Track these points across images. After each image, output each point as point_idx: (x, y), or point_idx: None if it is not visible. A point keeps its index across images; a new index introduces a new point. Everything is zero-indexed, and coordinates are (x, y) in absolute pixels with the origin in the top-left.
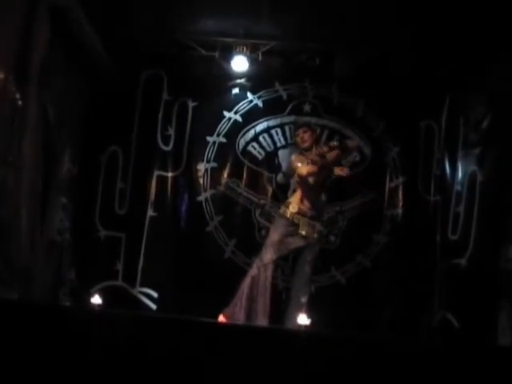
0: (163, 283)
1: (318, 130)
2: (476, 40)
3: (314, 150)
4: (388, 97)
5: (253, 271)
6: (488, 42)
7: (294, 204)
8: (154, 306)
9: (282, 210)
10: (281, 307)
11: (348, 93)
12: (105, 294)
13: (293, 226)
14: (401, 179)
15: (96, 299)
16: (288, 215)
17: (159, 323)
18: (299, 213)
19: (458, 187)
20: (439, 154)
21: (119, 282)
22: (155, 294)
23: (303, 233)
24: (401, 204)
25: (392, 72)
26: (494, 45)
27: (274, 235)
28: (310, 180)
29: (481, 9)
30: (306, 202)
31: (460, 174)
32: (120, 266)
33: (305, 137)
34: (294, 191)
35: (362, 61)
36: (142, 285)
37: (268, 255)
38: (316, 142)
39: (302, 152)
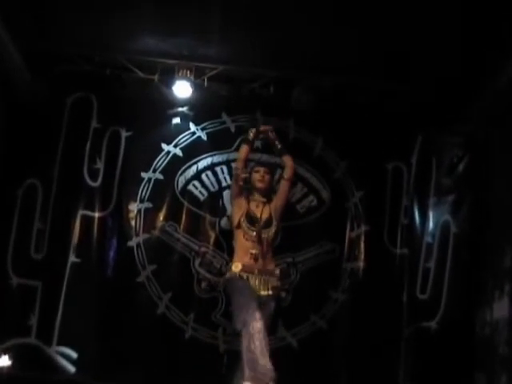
0: (84, 342)
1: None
2: (454, 76)
3: (259, 194)
4: (351, 134)
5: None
6: (466, 82)
7: (237, 263)
8: (72, 369)
9: (229, 274)
10: (222, 372)
11: (306, 127)
12: (15, 353)
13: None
14: (363, 228)
15: (4, 360)
16: (235, 276)
17: None
18: (245, 270)
19: (428, 239)
20: (408, 200)
21: (32, 340)
22: (74, 355)
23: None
24: (363, 257)
25: (356, 106)
26: (471, 85)
27: (237, 298)
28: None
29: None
30: (248, 256)
31: (431, 224)
32: (34, 321)
33: (265, 178)
34: None
35: (322, 92)
36: (60, 343)
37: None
38: (272, 191)
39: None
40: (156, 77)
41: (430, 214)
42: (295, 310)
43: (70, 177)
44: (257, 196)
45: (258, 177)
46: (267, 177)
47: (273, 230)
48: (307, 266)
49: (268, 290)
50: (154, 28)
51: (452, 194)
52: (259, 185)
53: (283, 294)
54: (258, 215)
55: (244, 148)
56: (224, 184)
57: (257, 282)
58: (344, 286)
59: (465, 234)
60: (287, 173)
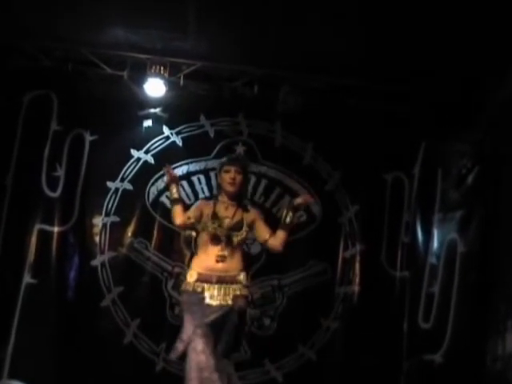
0: (40, 375)
1: (254, 180)
2: (460, 76)
3: (229, 198)
4: (345, 140)
5: None
6: (473, 84)
7: (192, 271)
8: None
9: (183, 285)
10: None
11: (294, 132)
12: None
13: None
14: (358, 247)
15: None
16: (189, 287)
17: None
18: (200, 280)
19: (432, 260)
20: (409, 216)
21: None
22: None
23: (212, 302)
24: (357, 279)
25: (351, 109)
26: (480, 88)
27: (187, 317)
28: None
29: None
30: (213, 258)
31: (435, 243)
32: None
33: (236, 179)
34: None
35: (312, 92)
36: (12, 376)
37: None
38: (244, 193)
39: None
40: (125, 73)
41: (435, 232)
42: (281, 339)
43: (25, 186)
44: (226, 199)
45: (228, 179)
46: (239, 178)
47: (244, 234)
48: (295, 290)
49: (228, 300)
50: (123, 18)
51: (459, 210)
52: (229, 188)
53: (267, 322)
54: (228, 215)
55: (177, 208)
56: (201, 196)
57: (215, 293)
58: (336, 312)
59: (473, 254)
60: (272, 242)
